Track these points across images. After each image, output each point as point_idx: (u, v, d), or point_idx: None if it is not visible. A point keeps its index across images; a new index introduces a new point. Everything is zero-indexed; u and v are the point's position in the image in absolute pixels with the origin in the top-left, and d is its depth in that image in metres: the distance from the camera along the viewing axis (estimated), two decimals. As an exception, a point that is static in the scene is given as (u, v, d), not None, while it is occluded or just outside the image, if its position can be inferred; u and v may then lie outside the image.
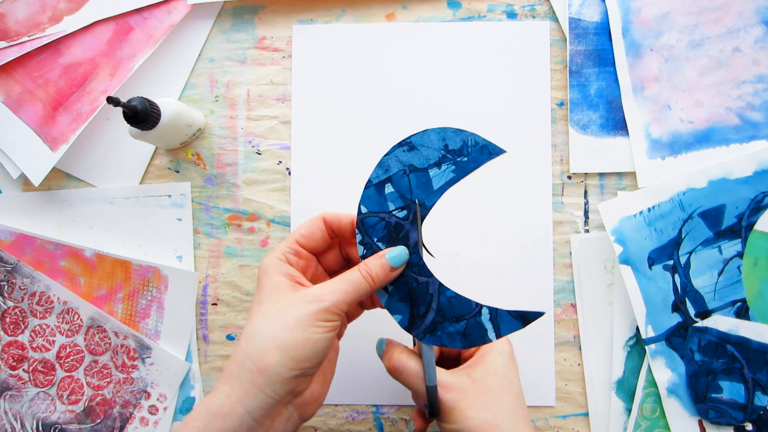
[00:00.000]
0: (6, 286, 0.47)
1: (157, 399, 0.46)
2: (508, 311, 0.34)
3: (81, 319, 0.46)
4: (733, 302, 0.42)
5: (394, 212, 0.34)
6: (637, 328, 0.43)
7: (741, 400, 0.42)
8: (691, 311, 0.43)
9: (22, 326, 0.47)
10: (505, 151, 0.35)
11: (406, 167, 0.34)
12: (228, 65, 0.48)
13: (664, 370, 0.42)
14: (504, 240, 0.45)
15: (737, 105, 0.44)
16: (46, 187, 0.48)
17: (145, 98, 0.40)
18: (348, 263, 0.38)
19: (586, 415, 0.44)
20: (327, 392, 0.35)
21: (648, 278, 0.43)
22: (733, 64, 0.44)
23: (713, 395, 0.42)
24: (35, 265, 0.47)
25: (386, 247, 0.34)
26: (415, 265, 0.34)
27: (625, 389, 0.44)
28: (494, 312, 0.34)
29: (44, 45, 0.46)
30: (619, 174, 0.45)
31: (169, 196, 0.47)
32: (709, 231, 0.43)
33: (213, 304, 0.47)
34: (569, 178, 0.45)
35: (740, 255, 0.42)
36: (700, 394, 0.42)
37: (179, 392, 0.46)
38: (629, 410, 0.43)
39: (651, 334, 0.43)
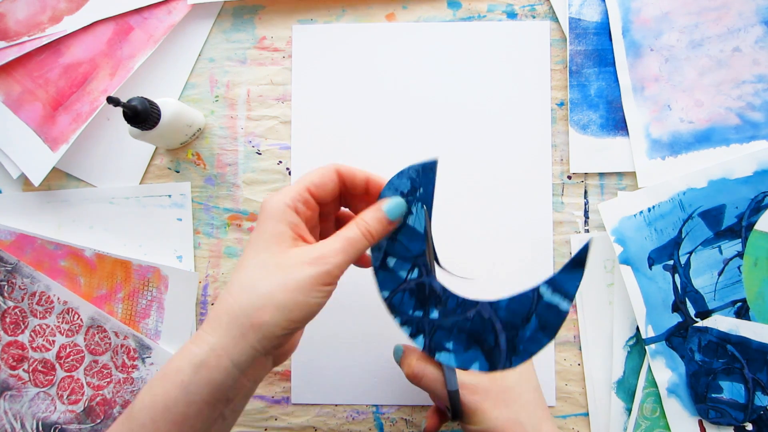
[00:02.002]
0: (6, 286, 0.47)
1: (157, 399, 0.46)
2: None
3: (81, 319, 0.46)
4: (733, 302, 0.42)
5: (408, 279, 0.33)
6: (638, 328, 0.43)
7: (741, 400, 0.42)
8: (691, 311, 0.43)
9: (22, 326, 0.47)
10: (437, 158, 0.33)
11: (388, 235, 0.33)
12: (228, 65, 0.48)
13: (664, 370, 0.42)
14: (504, 240, 0.45)
15: (737, 105, 0.44)
16: (46, 187, 0.48)
17: (145, 98, 0.40)
18: (337, 225, 0.37)
19: (586, 415, 0.44)
20: (300, 339, 0.36)
21: (648, 278, 0.43)
22: (733, 64, 0.44)
23: (713, 395, 0.42)
24: (35, 265, 0.47)
25: (421, 311, 0.33)
26: (458, 303, 0.33)
27: (625, 389, 0.44)
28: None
29: (44, 45, 0.46)
30: (619, 174, 0.45)
31: (169, 196, 0.47)
32: (709, 231, 0.43)
33: (213, 304, 0.47)
34: (569, 178, 0.45)
35: (740, 255, 0.42)
36: (700, 394, 0.42)
37: (179, 392, 0.46)
38: (629, 410, 0.43)
39: (651, 334, 0.43)
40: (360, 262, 0.37)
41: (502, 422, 0.34)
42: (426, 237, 0.33)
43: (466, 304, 0.33)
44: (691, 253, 0.43)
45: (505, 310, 0.32)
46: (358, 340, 0.46)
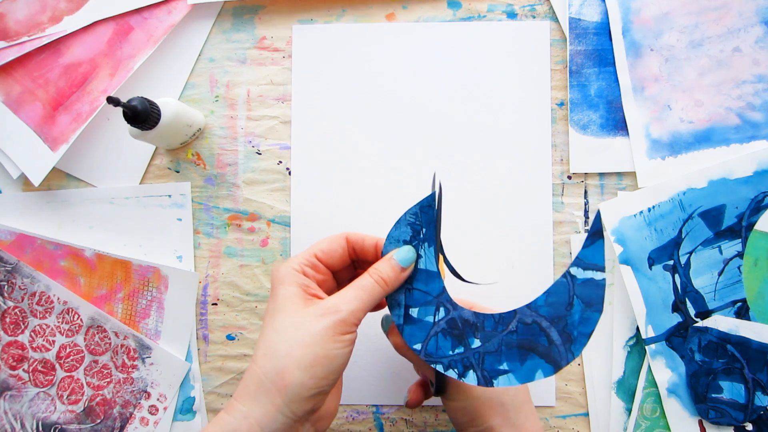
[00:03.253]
0: (6, 286, 0.47)
1: (157, 399, 0.46)
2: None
3: (81, 319, 0.46)
4: (734, 302, 0.42)
5: (437, 321, 0.33)
6: (638, 328, 0.43)
7: (741, 400, 0.42)
8: (691, 311, 0.42)
9: (22, 326, 0.47)
10: (434, 191, 0.33)
11: (404, 286, 0.33)
12: (228, 65, 0.48)
13: (664, 370, 0.42)
14: (504, 240, 0.45)
15: (737, 105, 0.44)
16: (46, 187, 0.48)
17: (145, 98, 0.40)
18: None
19: (586, 415, 0.44)
20: (339, 403, 0.35)
21: (648, 278, 0.43)
22: (733, 64, 0.44)
23: (713, 395, 0.42)
24: (35, 265, 0.47)
25: (461, 347, 0.32)
26: (497, 321, 0.33)
27: (625, 389, 0.44)
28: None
29: (44, 45, 0.46)
30: (619, 174, 0.45)
31: (169, 196, 0.47)
32: (709, 231, 0.43)
33: (213, 304, 0.47)
34: (569, 178, 0.45)
35: (740, 255, 0.42)
36: (700, 394, 0.42)
37: (179, 392, 0.46)
38: (629, 410, 0.43)
39: (651, 334, 0.43)
40: (377, 307, 0.37)
41: (485, 401, 0.35)
42: (439, 274, 0.33)
43: (503, 318, 0.32)
44: (691, 253, 0.43)
45: (545, 306, 0.32)
46: (358, 340, 0.46)
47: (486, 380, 0.31)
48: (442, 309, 0.33)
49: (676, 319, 0.43)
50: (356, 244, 0.34)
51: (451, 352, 0.32)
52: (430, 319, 0.33)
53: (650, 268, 0.43)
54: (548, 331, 0.31)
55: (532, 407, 0.37)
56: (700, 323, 0.42)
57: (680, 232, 0.43)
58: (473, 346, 0.32)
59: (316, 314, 0.30)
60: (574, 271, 0.31)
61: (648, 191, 0.43)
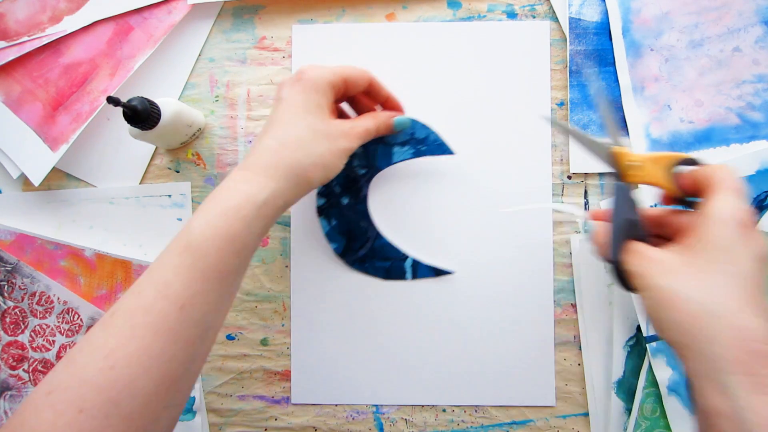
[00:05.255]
0: (6, 286, 0.47)
1: (157, 399, 0.46)
2: (426, 264, 0.45)
3: (81, 319, 0.46)
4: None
5: (356, 167, 0.44)
6: (638, 328, 0.43)
7: None
8: None
9: (22, 326, 0.47)
10: (453, 153, 0.44)
11: (378, 138, 0.42)
12: (228, 65, 0.48)
13: (664, 368, 0.42)
14: (504, 239, 0.45)
15: (737, 105, 0.44)
16: (46, 187, 0.48)
17: (145, 98, 0.40)
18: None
19: (586, 415, 0.44)
20: None
21: None
22: (733, 64, 0.44)
23: None
24: (35, 265, 0.47)
25: (341, 193, 0.44)
26: (360, 212, 0.44)
27: (625, 389, 0.44)
28: (416, 263, 0.45)
29: (44, 45, 0.46)
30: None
31: (169, 196, 0.47)
32: (710, 231, 0.43)
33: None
34: (569, 178, 0.45)
35: None
36: None
37: (179, 392, 0.46)
38: (629, 410, 0.43)
39: (652, 332, 0.43)
40: None
41: (692, 309, 0.27)
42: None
43: (367, 218, 0.45)
44: None
45: (381, 244, 0.45)
46: (358, 340, 0.46)
47: None
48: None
49: None
50: (374, 89, 0.40)
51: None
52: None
53: None
54: None
55: (760, 320, 0.27)
56: None
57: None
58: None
59: (341, 132, 0.37)
60: None
61: (648, 190, 0.43)
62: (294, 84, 0.36)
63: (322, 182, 0.36)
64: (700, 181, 0.31)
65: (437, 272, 0.45)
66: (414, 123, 0.43)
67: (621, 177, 0.34)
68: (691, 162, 0.33)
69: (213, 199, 0.32)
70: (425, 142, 0.44)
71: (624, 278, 0.31)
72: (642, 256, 0.30)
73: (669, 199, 0.34)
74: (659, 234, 0.34)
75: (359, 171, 0.44)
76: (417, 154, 0.44)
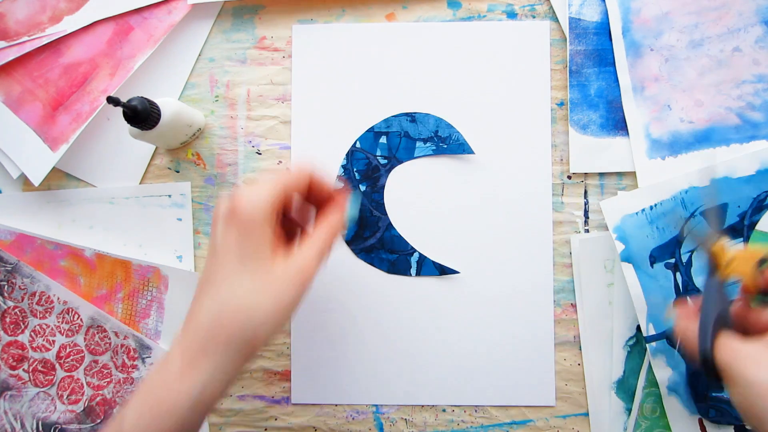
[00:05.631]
0: (6, 286, 0.47)
1: (157, 399, 0.46)
2: (432, 261, 0.45)
3: (81, 319, 0.46)
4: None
5: (378, 156, 0.45)
6: (638, 327, 0.43)
7: None
8: None
9: (22, 326, 0.47)
10: (473, 153, 0.45)
11: (402, 132, 0.45)
12: (228, 65, 0.48)
13: (664, 368, 0.42)
14: (504, 240, 0.45)
15: (737, 105, 0.44)
16: (46, 187, 0.48)
17: (145, 98, 0.40)
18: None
19: (586, 415, 0.44)
20: None
21: (649, 276, 0.43)
22: (733, 64, 0.44)
23: (714, 394, 0.42)
24: (35, 265, 0.47)
25: (360, 179, 0.45)
26: (375, 201, 0.45)
27: (625, 389, 0.44)
28: (422, 258, 0.45)
29: (44, 45, 0.46)
30: (619, 174, 0.45)
31: (169, 196, 0.47)
32: (710, 231, 0.43)
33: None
34: (569, 178, 0.45)
35: None
36: (700, 392, 0.42)
37: (179, 392, 0.46)
38: (629, 410, 0.43)
39: (652, 332, 0.43)
40: None
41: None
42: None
43: (381, 209, 0.45)
44: (692, 251, 0.43)
45: (391, 235, 0.45)
46: (358, 340, 0.46)
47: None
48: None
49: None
50: (316, 188, 0.35)
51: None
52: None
53: (651, 266, 0.43)
54: None
55: None
56: None
57: (682, 230, 0.43)
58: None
59: (290, 276, 0.31)
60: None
61: (650, 189, 0.43)
62: (228, 225, 0.31)
63: (268, 342, 0.32)
64: None
65: (442, 270, 0.45)
66: (439, 121, 0.45)
67: (715, 272, 0.35)
68: None
69: (148, 390, 0.29)
70: (447, 141, 0.45)
71: (714, 370, 0.31)
72: (733, 349, 0.31)
73: (750, 290, 0.35)
74: (743, 329, 0.34)
75: (381, 160, 0.45)
76: (438, 151, 0.45)
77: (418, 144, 0.45)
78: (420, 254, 0.45)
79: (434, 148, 0.45)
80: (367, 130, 0.45)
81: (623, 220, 0.43)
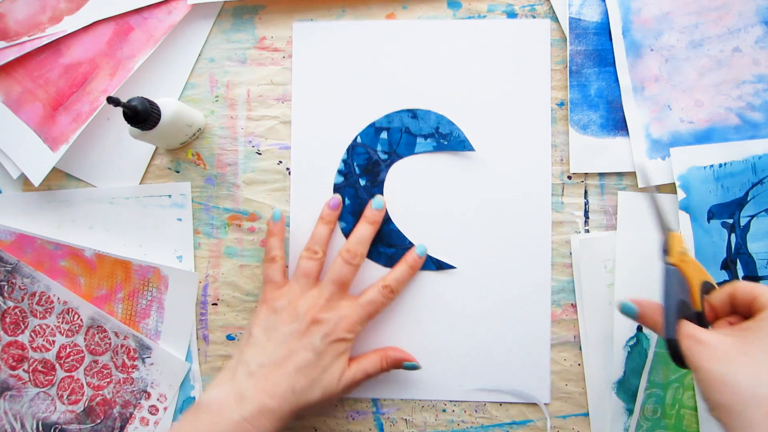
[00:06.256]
0: (6, 286, 0.47)
1: (157, 399, 0.46)
2: (430, 256, 0.45)
3: (81, 319, 0.46)
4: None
5: (379, 151, 0.45)
6: (638, 328, 0.43)
7: None
8: (740, 273, 0.42)
9: (22, 326, 0.47)
10: (474, 150, 0.45)
11: (403, 127, 0.45)
12: (228, 65, 0.48)
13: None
14: (503, 240, 0.45)
15: (737, 105, 0.44)
16: (46, 187, 0.48)
17: (145, 98, 0.40)
18: None
19: (586, 415, 0.44)
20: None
21: (704, 230, 0.43)
22: (733, 64, 0.44)
23: None
24: (35, 265, 0.47)
25: (360, 174, 0.45)
26: (374, 196, 0.45)
27: (626, 389, 0.44)
28: None
29: (44, 45, 0.46)
30: (619, 174, 0.45)
31: (169, 196, 0.47)
32: (778, 199, 0.42)
33: (213, 304, 0.47)
34: (569, 178, 0.45)
35: None
36: None
37: (179, 392, 0.46)
38: (629, 410, 0.43)
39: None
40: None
41: (739, 393, 0.29)
42: None
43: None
44: (753, 216, 0.43)
45: (390, 229, 0.46)
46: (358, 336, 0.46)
47: None
48: None
49: (723, 276, 0.43)
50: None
51: None
52: None
53: (708, 222, 0.43)
54: None
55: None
56: None
57: (747, 194, 0.43)
58: None
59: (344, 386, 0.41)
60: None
61: (723, 147, 0.43)
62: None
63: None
64: (744, 296, 0.33)
65: (439, 266, 0.45)
66: (440, 118, 0.45)
67: (669, 257, 0.36)
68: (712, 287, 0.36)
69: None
70: (448, 138, 0.45)
71: (680, 356, 0.33)
72: (695, 339, 0.32)
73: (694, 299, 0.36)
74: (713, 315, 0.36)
75: (382, 155, 0.45)
76: (438, 147, 0.45)
77: (419, 140, 0.45)
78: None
79: (435, 144, 0.45)
80: (368, 125, 0.46)
81: (690, 170, 0.43)
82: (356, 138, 0.46)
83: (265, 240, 0.45)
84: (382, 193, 0.45)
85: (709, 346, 0.31)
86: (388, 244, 0.45)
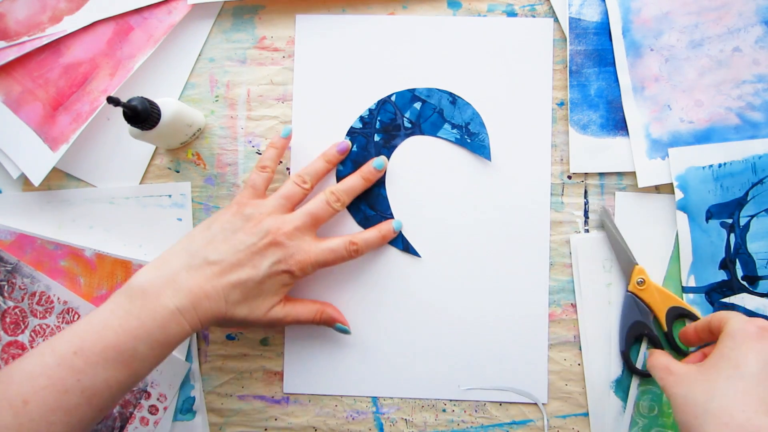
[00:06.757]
0: (6, 286, 0.47)
1: (157, 399, 0.46)
2: (403, 235, 0.45)
3: (81, 319, 0.46)
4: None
5: (405, 117, 0.45)
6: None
7: None
8: (739, 273, 0.43)
9: (22, 326, 0.47)
10: (490, 160, 0.45)
11: (439, 108, 0.45)
12: (228, 65, 0.48)
13: None
14: (502, 239, 0.45)
15: (737, 105, 0.44)
16: (46, 187, 0.48)
17: (145, 98, 0.40)
18: None
19: (586, 415, 0.44)
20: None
21: (702, 230, 0.43)
22: (733, 64, 0.44)
23: None
24: (35, 265, 0.47)
25: (379, 129, 0.45)
26: (381, 155, 0.45)
27: (624, 388, 0.44)
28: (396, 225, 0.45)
29: (44, 45, 0.46)
30: (619, 174, 0.45)
31: (169, 196, 0.47)
32: (778, 200, 0.43)
33: None
34: (569, 178, 0.45)
35: None
36: None
37: (179, 392, 0.46)
38: (629, 410, 0.44)
39: (692, 284, 0.43)
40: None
41: (702, 410, 0.32)
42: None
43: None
44: (753, 216, 0.43)
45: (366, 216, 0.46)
46: (358, 330, 0.46)
47: None
48: None
49: (721, 276, 0.43)
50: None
51: None
52: None
53: (707, 221, 0.43)
54: None
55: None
56: (727, 300, 0.43)
57: (747, 194, 0.43)
58: None
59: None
60: None
61: (722, 147, 0.43)
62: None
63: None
64: (716, 323, 0.37)
65: (406, 248, 0.45)
66: (476, 115, 0.45)
67: (628, 288, 0.43)
68: (686, 314, 0.42)
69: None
70: (473, 137, 0.45)
71: (634, 368, 0.43)
72: (666, 370, 0.36)
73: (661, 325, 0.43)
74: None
75: (406, 123, 0.45)
76: (460, 141, 0.45)
77: (446, 126, 0.45)
78: (396, 222, 0.45)
79: (458, 137, 0.45)
80: (407, 89, 0.46)
81: (688, 171, 0.43)
82: (391, 95, 0.46)
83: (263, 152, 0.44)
84: (389, 157, 0.45)
85: (675, 374, 0.35)
86: (371, 206, 0.46)
